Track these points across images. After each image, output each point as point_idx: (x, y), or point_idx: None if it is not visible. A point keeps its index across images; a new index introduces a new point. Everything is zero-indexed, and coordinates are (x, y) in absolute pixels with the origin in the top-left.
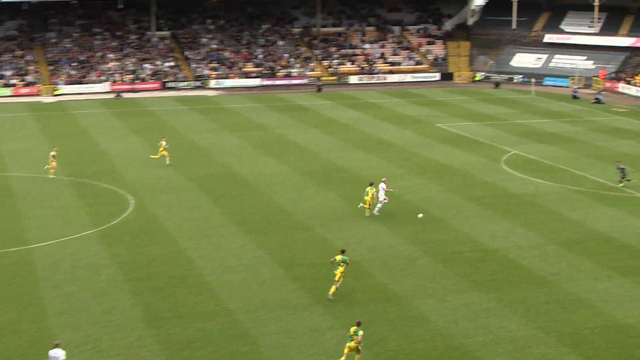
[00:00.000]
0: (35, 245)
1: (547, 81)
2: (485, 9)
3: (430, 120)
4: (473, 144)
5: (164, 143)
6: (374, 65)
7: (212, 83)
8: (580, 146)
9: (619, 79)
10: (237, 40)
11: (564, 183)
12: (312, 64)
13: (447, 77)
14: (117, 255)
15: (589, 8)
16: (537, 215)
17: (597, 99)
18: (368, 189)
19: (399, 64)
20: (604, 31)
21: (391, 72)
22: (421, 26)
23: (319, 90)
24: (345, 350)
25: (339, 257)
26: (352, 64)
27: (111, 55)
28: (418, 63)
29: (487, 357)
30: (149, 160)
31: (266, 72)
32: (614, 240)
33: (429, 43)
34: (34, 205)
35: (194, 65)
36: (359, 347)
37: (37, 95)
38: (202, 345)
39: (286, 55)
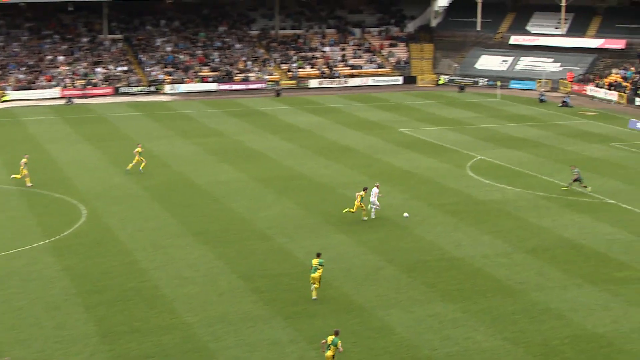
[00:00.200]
0: None
1: (513, 84)
2: (448, 10)
3: (393, 125)
4: (437, 149)
5: (139, 149)
6: (335, 68)
7: (167, 88)
8: (547, 151)
9: (587, 82)
10: (192, 42)
11: (531, 189)
12: (270, 68)
13: (410, 80)
14: (70, 268)
15: (556, 9)
16: (504, 222)
17: (564, 102)
18: (360, 193)
19: (360, 67)
20: (571, 32)
21: (352, 75)
22: (383, 28)
23: (278, 94)
24: None
25: (315, 261)
26: (312, 67)
27: (62, 59)
28: (380, 66)
29: None
30: (102, 168)
31: (223, 76)
32: (583, 247)
33: (391, 45)
34: None
35: (148, 69)
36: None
37: None
38: None
39: (243, 58)
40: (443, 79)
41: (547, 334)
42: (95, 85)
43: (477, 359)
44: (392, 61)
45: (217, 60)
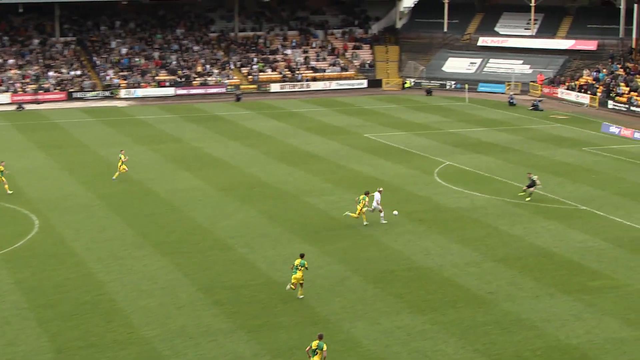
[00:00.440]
0: None
1: (482, 87)
2: (414, 10)
3: (358, 131)
4: (404, 155)
5: (122, 157)
6: (297, 72)
7: (123, 93)
8: (518, 156)
9: (557, 84)
10: (148, 44)
11: (501, 196)
12: (230, 71)
13: (375, 84)
14: (22, 281)
15: (525, 9)
16: (473, 230)
17: (534, 105)
18: (362, 197)
19: (324, 70)
20: (541, 33)
21: (315, 79)
22: (346, 29)
23: (238, 99)
24: None
25: (297, 262)
26: (273, 70)
27: (12, 62)
28: (344, 69)
29: None
30: (55, 176)
31: (181, 80)
32: (555, 255)
33: (355, 48)
34: None
35: (103, 73)
36: None
37: None
38: None
39: (202, 60)
40: (409, 82)
41: (519, 346)
42: (47, 90)
43: None
44: (357, 64)
45: (175, 63)
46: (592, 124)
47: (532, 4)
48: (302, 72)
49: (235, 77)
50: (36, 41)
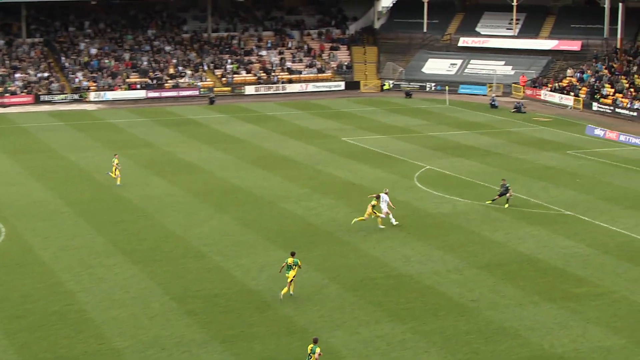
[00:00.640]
0: None
1: (463, 89)
2: (393, 10)
3: (335, 134)
4: (383, 159)
5: (116, 160)
6: (272, 74)
7: (92, 96)
8: (500, 160)
9: (540, 85)
10: (119, 45)
11: (483, 201)
12: (203, 73)
13: (352, 86)
14: None
15: (507, 8)
16: (454, 236)
17: (517, 107)
18: (373, 201)
19: (300, 72)
20: (524, 33)
21: (291, 81)
22: (323, 30)
23: (212, 102)
24: None
25: (290, 260)
26: (248, 72)
27: None
28: (320, 71)
29: None
30: (22, 183)
31: (152, 82)
32: (539, 262)
33: (332, 49)
34: None
35: (72, 75)
36: None
37: None
38: None
39: (174, 61)
40: (388, 84)
41: (502, 355)
42: (13, 93)
43: None
44: (334, 65)
45: (146, 64)
46: (576, 127)
47: (514, 3)
48: (277, 73)
49: (208, 79)
50: (2, 42)
